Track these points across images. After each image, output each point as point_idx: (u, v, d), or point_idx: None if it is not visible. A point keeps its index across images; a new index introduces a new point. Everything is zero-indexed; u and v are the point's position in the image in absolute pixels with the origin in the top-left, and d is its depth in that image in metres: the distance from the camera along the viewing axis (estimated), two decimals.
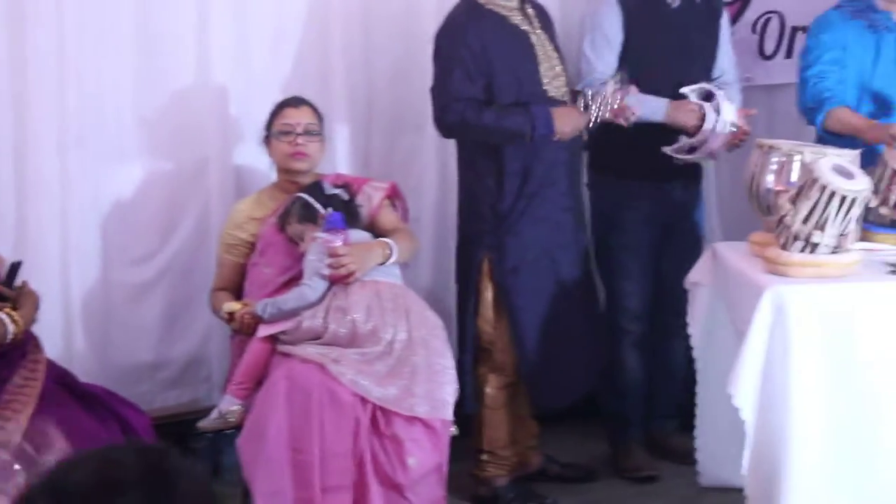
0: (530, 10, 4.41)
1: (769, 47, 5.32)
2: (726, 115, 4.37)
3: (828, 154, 3.91)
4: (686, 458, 4.47)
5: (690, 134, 4.46)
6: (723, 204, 5.25)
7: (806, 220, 3.69)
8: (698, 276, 4.23)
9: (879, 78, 4.49)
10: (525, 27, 4.35)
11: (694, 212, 4.79)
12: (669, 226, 4.70)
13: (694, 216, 4.79)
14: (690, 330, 4.23)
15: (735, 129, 4.44)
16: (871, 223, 4.17)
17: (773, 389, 3.62)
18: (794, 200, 3.73)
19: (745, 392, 3.62)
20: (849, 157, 3.96)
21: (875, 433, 3.63)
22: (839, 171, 3.73)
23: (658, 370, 4.81)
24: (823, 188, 3.67)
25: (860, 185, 3.72)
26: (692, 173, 4.72)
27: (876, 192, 4.11)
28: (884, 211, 4.15)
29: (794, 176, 3.89)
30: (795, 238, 3.71)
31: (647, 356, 4.77)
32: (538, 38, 4.36)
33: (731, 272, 3.99)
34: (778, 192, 3.82)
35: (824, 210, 3.67)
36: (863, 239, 4.11)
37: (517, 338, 4.35)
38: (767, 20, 5.31)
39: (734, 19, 5.23)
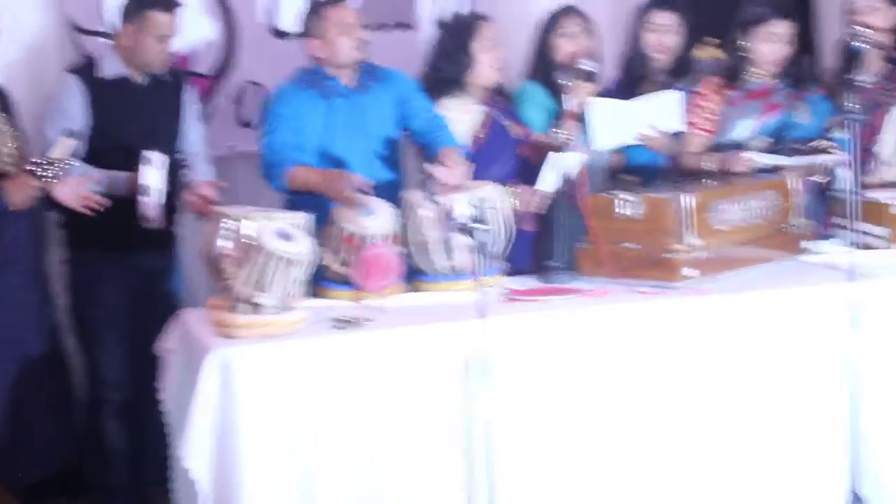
0: None
1: (249, 115, 5.50)
2: (149, 180, 4.43)
3: (274, 218, 4.08)
4: None
5: None
6: None
7: (249, 283, 3.85)
8: (168, 343, 4.31)
9: (334, 142, 4.68)
10: None
11: (168, 280, 4.88)
12: (144, 295, 4.77)
13: (168, 284, 4.88)
14: (162, 395, 4.30)
15: (150, 196, 4.44)
16: (329, 280, 4.39)
17: (226, 448, 3.73)
18: (239, 264, 3.89)
19: (196, 453, 3.73)
20: (297, 220, 4.14)
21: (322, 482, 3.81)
22: (280, 234, 3.91)
23: (144, 437, 4.84)
24: (263, 251, 3.84)
25: (299, 248, 3.91)
26: (162, 242, 4.80)
27: (330, 250, 4.34)
28: (336, 268, 4.36)
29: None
30: (240, 300, 3.87)
31: (131, 424, 4.81)
32: None
33: (190, 337, 4.09)
34: (224, 258, 3.96)
35: (266, 272, 3.84)
36: (320, 296, 4.32)
37: None
38: (245, 90, 5.49)
39: (210, 91, 5.39)
